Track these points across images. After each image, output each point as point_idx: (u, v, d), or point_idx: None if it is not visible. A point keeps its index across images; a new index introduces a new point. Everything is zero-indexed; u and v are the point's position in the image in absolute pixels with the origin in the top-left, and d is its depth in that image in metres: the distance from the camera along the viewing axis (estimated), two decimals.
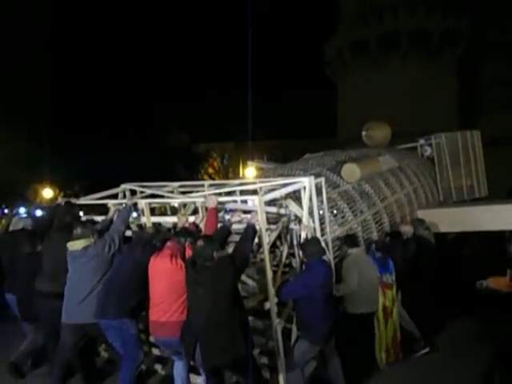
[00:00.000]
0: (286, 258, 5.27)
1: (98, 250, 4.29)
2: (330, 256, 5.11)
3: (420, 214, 7.78)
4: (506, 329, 6.33)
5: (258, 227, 4.01)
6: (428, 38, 26.07)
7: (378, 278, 5.10)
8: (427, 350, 5.60)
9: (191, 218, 4.71)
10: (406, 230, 6.49)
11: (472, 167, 10.02)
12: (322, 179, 5.44)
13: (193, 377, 4.32)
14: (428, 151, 10.11)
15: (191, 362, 3.75)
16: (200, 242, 3.54)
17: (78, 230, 4.37)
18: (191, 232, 4.21)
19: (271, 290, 4.14)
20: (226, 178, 26.64)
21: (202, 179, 23.52)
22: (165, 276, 3.84)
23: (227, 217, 4.55)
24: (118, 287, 4.06)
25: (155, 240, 4.16)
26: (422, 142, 10.27)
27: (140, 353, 4.19)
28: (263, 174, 8.86)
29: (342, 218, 6.24)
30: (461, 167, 9.84)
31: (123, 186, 6.04)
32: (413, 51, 26.19)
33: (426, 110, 24.84)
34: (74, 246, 4.30)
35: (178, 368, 4.10)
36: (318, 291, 4.02)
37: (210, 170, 29.66)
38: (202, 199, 4.59)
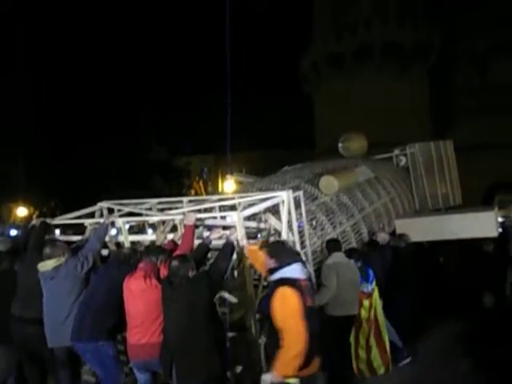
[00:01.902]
0: None
1: (70, 268, 4.14)
2: (310, 269, 5.14)
3: (397, 223, 7.92)
4: (487, 333, 6.49)
5: (236, 243, 4.01)
6: (400, 50, 26.74)
7: (358, 282, 5.14)
8: (409, 359, 5.65)
9: (170, 236, 4.68)
10: (382, 236, 6.63)
11: (446, 176, 10.28)
12: (301, 192, 5.49)
13: None
14: (403, 161, 10.35)
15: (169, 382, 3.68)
16: (175, 262, 3.50)
17: (47, 250, 4.20)
18: (163, 250, 4.16)
19: (252, 305, 4.13)
20: (206, 192, 26.56)
21: (182, 194, 23.37)
22: (140, 297, 3.78)
23: (206, 234, 4.53)
24: (94, 308, 3.97)
25: (132, 260, 4.10)
26: (396, 152, 10.51)
27: (121, 374, 4.11)
28: (242, 188, 8.88)
29: (322, 230, 6.30)
30: (435, 176, 10.09)
31: (100, 205, 5.95)
32: (386, 63, 26.78)
33: (401, 120, 25.37)
34: (45, 266, 4.15)
35: None
36: None
37: (196, 186, 29.53)
38: (180, 216, 4.57)
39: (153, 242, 4.67)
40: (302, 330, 2.95)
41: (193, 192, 27.05)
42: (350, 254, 5.50)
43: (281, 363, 2.97)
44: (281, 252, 3.31)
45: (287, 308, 2.99)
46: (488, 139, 25.27)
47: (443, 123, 27.11)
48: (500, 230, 8.21)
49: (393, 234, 7.44)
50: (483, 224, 7.28)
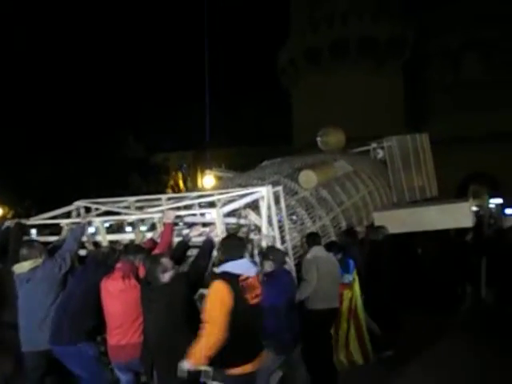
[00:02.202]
0: None
1: (47, 270, 4.04)
2: (290, 263, 5.16)
3: (375, 215, 8.02)
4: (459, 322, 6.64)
5: (216, 240, 3.98)
6: (376, 45, 27.05)
7: (338, 275, 5.19)
8: (390, 352, 5.74)
9: (149, 234, 4.62)
10: (360, 229, 6.74)
11: (422, 168, 10.48)
12: (280, 188, 5.49)
13: None
14: (380, 154, 10.50)
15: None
16: (148, 263, 3.46)
17: (24, 251, 4.08)
18: (141, 248, 4.09)
19: None
20: (186, 188, 26.34)
21: (162, 191, 23.12)
22: (118, 298, 3.71)
23: (185, 231, 4.49)
24: (72, 311, 3.88)
25: (109, 260, 4.02)
26: (374, 145, 10.65)
27: (104, 373, 4.04)
28: (222, 183, 8.85)
29: (301, 224, 6.33)
30: (412, 168, 10.27)
31: (77, 204, 5.83)
32: (362, 58, 27.07)
33: (377, 114, 25.72)
34: (21, 268, 4.02)
35: None
36: (281, 300, 4.04)
37: (173, 183, 29.24)
38: (159, 214, 4.51)
39: (132, 241, 4.60)
40: (222, 324, 2.99)
41: (170, 191, 26.78)
42: (329, 247, 5.54)
43: (193, 351, 3.03)
44: (228, 246, 3.33)
45: (215, 301, 3.05)
46: (461, 133, 25.90)
47: (418, 118, 27.62)
48: (474, 219, 8.42)
49: (371, 226, 7.55)
50: (459, 215, 7.45)
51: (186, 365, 3.06)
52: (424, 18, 27.90)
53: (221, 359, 3.07)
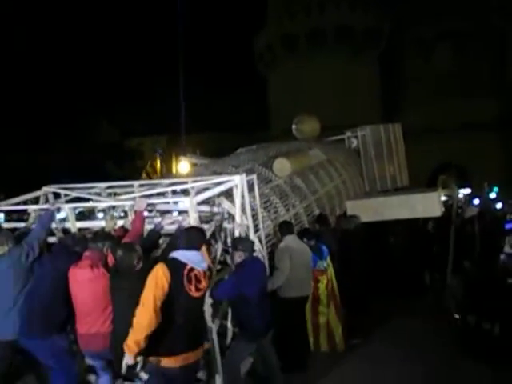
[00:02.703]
0: (221, 255, 5.28)
1: (14, 258, 3.95)
2: (263, 252, 5.19)
3: (348, 204, 8.14)
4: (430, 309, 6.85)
5: None
6: (352, 34, 27.15)
7: (310, 263, 5.29)
8: (358, 340, 5.88)
9: (120, 222, 4.54)
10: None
11: (394, 158, 10.67)
12: (254, 176, 5.48)
13: None
14: (354, 143, 10.61)
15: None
16: (119, 251, 3.40)
17: None
18: (110, 236, 4.02)
19: None
20: (161, 173, 26.00)
21: (135, 177, 22.74)
22: (88, 287, 3.65)
23: (157, 220, 4.44)
24: (42, 302, 3.80)
25: (78, 247, 3.93)
26: (348, 134, 10.75)
27: (75, 365, 4.00)
28: (196, 170, 8.77)
29: (275, 212, 6.36)
30: (384, 158, 10.44)
31: (45, 189, 5.64)
32: (339, 46, 27.15)
33: (352, 103, 25.95)
34: None
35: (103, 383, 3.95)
36: (253, 289, 4.06)
37: (150, 170, 28.75)
38: (131, 202, 4.44)
39: (101, 229, 4.51)
40: (152, 306, 2.98)
41: (145, 176, 26.37)
42: (303, 234, 5.62)
43: (127, 340, 3.02)
44: (185, 236, 3.37)
45: (150, 283, 3.06)
46: (433, 123, 26.46)
47: (393, 107, 28.03)
48: (443, 209, 8.66)
49: (343, 215, 7.67)
50: (428, 204, 7.64)
51: (127, 358, 3.03)
52: (399, 8, 28.15)
53: (150, 348, 3.05)
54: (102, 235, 4.00)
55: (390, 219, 8.02)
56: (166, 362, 3.09)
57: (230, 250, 4.39)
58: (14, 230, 4.83)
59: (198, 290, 3.22)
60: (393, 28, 28.11)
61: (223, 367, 4.11)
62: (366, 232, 7.33)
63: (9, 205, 5.40)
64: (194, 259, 3.25)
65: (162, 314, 3.04)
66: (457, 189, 11.85)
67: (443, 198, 9.21)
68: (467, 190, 18.76)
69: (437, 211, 7.72)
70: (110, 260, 3.69)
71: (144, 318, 2.97)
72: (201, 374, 4.30)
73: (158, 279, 3.05)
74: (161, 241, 4.36)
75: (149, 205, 4.39)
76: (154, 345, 3.06)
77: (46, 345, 3.81)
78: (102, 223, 4.65)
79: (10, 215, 6.09)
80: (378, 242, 8.17)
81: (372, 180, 10.07)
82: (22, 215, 6.01)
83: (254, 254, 4.47)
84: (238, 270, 4.11)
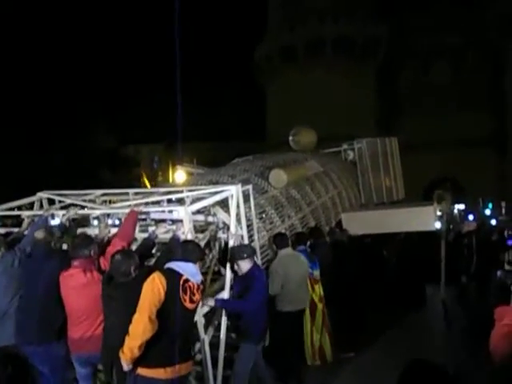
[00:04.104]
0: (215, 265, 5.26)
1: (7, 264, 3.92)
2: (258, 262, 5.16)
3: (343, 216, 8.15)
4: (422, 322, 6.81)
5: (183, 237, 3.93)
6: (351, 45, 27.40)
7: (307, 275, 5.29)
8: (353, 354, 5.83)
9: (114, 230, 4.50)
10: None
11: (390, 171, 10.72)
12: (250, 187, 5.49)
13: None
14: (351, 155, 10.67)
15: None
16: (118, 257, 3.35)
17: None
18: (91, 239, 3.94)
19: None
20: (155, 183, 25.95)
21: (131, 184, 22.67)
22: (82, 292, 3.59)
23: (152, 228, 4.41)
24: (39, 307, 3.75)
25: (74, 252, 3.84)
26: (345, 146, 10.81)
27: (66, 373, 3.94)
28: (192, 179, 8.76)
29: (271, 223, 6.35)
30: (380, 171, 10.49)
31: (40, 195, 5.60)
32: (337, 58, 27.38)
33: (350, 115, 26.09)
34: None
35: None
36: (261, 297, 4.25)
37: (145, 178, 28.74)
38: (125, 210, 4.41)
39: (81, 234, 4.41)
40: (147, 312, 2.96)
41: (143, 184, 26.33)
42: (297, 239, 5.64)
43: (123, 347, 3.00)
44: (183, 249, 3.37)
45: (146, 290, 3.05)
46: (430, 137, 26.62)
47: (389, 120, 28.20)
48: (438, 223, 8.68)
49: (338, 226, 7.67)
50: (423, 218, 7.66)
51: (123, 365, 3.01)
52: (397, 21, 28.49)
53: (141, 358, 3.02)
54: (83, 241, 3.91)
55: (385, 232, 8.04)
56: (156, 374, 3.04)
57: (233, 259, 4.36)
58: (6, 234, 4.79)
59: (192, 301, 3.21)
60: (391, 40, 28.41)
61: (234, 374, 4.18)
62: (360, 244, 7.32)
63: (3, 210, 5.36)
64: (189, 271, 3.24)
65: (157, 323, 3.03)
66: (451, 204, 11.89)
67: (439, 213, 9.23)
68: (462, 206, 18.80)
69: (432, 225, 7.74)
70: (104, 264, 3.64)
71: (139, 326, 2.95)
72: None
73: (154, 287, 3.04)
74: (154, 250, 4.32)
75: (144, 213, 4.37)
76: (145, 355, 3.02)
77: (43, 351, 3.76)
78: (96, 231, 4.61)
79: (3, 220, 6.03)
80: (371, 255, 8.16)
81: (368, 192, 10.11)
82: (15, 221, 5.96)
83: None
84: (251, 281, 4.18)
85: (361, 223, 7.70)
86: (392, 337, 6.58)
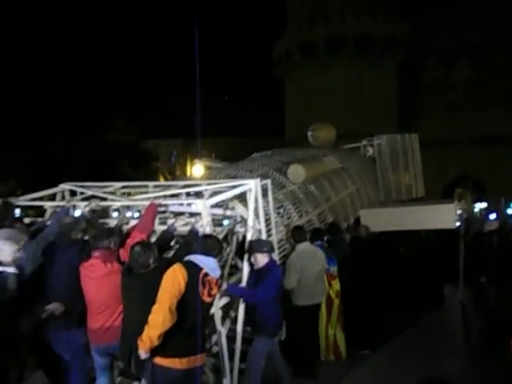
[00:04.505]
0: (232, 259, 5.28)
1: (29, 253, 3.97)
2: (276, 257, 5.17)
3: (362, 213, 8.06)
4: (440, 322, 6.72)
5: (201, 230, 3.96)
6: (372, 43, 27.06)
7: (323, 270, 5.28)
8: (368, 351, 5.79)
9: (133, 222, 4.56)
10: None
11: (410, 168, 10.57)
12: (268, 181, 5.48)
13: None
14: (370, 151, 10.56)
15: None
16: (137, 248, 3.38)
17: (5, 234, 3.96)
18: (111, 231, 3.99)
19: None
20: (174, 176, 26.19)
21: (149, 177, 22.93)
22: (101, 283, 3.65)
23: (171, 221, 4.45)
24: (60, 295, 3.81)
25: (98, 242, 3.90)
26: (364, 142, 10.69)
27: (88, 362, 4.02)
28: (211, 173, 8.80)
29: (288, 218, 6.34)
30: (400, 168, 10.35)
31: (62, 186, 5.73)
32: (357, 55, 27.09)
33: (369, 112, 25.81)
34: None
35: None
36: (275, 292, 4.28)
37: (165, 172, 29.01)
38: (145, 202, 4.46)
39: (103, 227, 4.47)
40: (168, 304, 2.99)
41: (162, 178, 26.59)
42: (314, 234, 5.62)
43: (142, 336, 3.02)
44: (203, 243, 3.39)
45: (167, 281, 3.06)
46: (450, 135, 26.16)
47: (410, 117, 27.79)
48: (458, 222, 8.53)
49: (356, 223, 7.61)
50: (443, 216, 7.52)
51: (141, 353, 3.05)
52: (419, 19, 28.01)
53: (158, 348, 3.06)
54: (104, 233, 3.97)
55: (403, 230, 7.93)
56: (173, 363, 3.09)
57: (251, 251, 4.39)
58: (30, 225, 4.90)
59: (209, 295, 3.25)
60: (412, 38, 27.96)
61: (247, 366, 4.23)
62: (377, 242, 7.24)
63: (26, 200, 5.48)
64: (209, 265, 3.28)
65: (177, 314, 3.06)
66: (471, 202, 11.70)
67: (459, 212, 9.06)
68: (483, 204, 18.45)
69: (452, 224, 7.60)
70: (123, 256, 3.69)
71: (159, 316, 2.98)
72: (207, 378, 4.30)
73: (175, 278, 3.07)
74: (172, 242, 4.36)
75: (162, 206, 4.41)
76: (162, 345, 3.06)
77: (63, 338, 3.84)
78: (115, 223, 4.67)
79: (26, 211, 6.17)
80: (388, 253, 8.06)
81: (387, 189, 9.99)
82: (38, 211, 6.09)
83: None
84: (265, 274, 4.22)
85: (379, 220, 7.60)
86: (408, 336, 6.49)
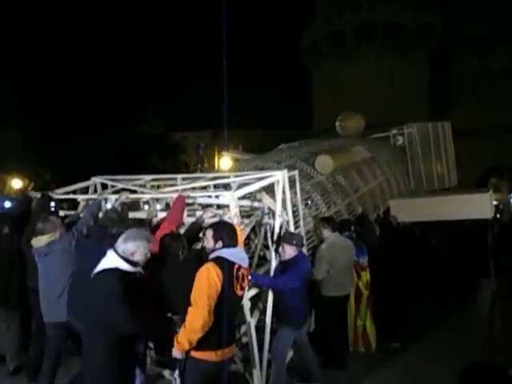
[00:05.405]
0: (260, 250, 5.30)
1: (65, 244, 4.08)
2: (304, 249, 5.15)
3: (392, 203, 7.93)
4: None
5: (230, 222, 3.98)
6: (403, 31, 26.31)
7: (352, 261, 5.23)
8: (399, 344, 5.71)
9: (162, 214, 4.63)
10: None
11: (442, 157, 10.27)
12: (296, 172, 5.45)
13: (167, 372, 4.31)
14: (400, 140, 10.34)
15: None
16: (166, 239, 3.43)
17: (40, 225, 4.10)
18: (141, 221, 4.04)
19: None
20: (203, 168, 26.41)
21: (177, 169, 23.19)
22: None
23: (199, 213, 4.49)
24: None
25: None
26: (394, 131, 10.48)
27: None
28: (238, 165, 8.83)
29: (316, 209, 6.29)
30: (431, 157, 10.09)
31: (94, 179, 5.89)
32: (388, 43, 26.41)
33: (400, 101, 25.19)
34: (38, 242, 4.07)
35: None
36: (302, 283, 4.25)
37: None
38: (174, 194, 4.52)
39: (134, 220, 4.53)
40: (207, 307, 2.91)
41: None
42: (341, 226, 5.52)
43: (178, 336, 2.98)
44: (228, 234, 3.24)
45: (203, 283, 2.97)
46: (485, 124, 25.26)
47: (442, 106, 26.98)
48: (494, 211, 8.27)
49: (386, 213, 7.49)
50: (478, 206, 7.29)
51: (176, 353, 3.03)
52: (452, 6, 27.02)
53: None
54: (137, 225, 4.00)
55: (435, 220, 7.74)
56: (208, 356, 3.09)
57: (281, 242, 4.38)
58: (64, 217, 5.06)
59: (241, 288, 3.22)
60: (444, 26, 27.02)
61: (271, 356, 4.22)
62: (408, 233, 7.10)
63: (60, 194, 5.66)
64: (240, 257, 3.22)
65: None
66: (507, 193, 11.30)
67: (494, 202, 8.76)
68: None
69: (488, 213, 7.36)
70: (153, 247, 3.74)
71: (199, 320, 2.92)
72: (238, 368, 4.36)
73: (211, 279, 2.98)
74: (201, 234, 4.41)
75: (190, 197, 4.46)
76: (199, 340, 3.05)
77: None
78: (144, 215, 4.76)
79: (60, 204, 6.37)
80: (419, 244, 7.89)
81: (418, 179, 9.77)
82: (71, 204, 6.29)
83: None
84: (291, 266, 4.22)
85: (410, 210, 7.45)
86: (439, 331, 6.32)
